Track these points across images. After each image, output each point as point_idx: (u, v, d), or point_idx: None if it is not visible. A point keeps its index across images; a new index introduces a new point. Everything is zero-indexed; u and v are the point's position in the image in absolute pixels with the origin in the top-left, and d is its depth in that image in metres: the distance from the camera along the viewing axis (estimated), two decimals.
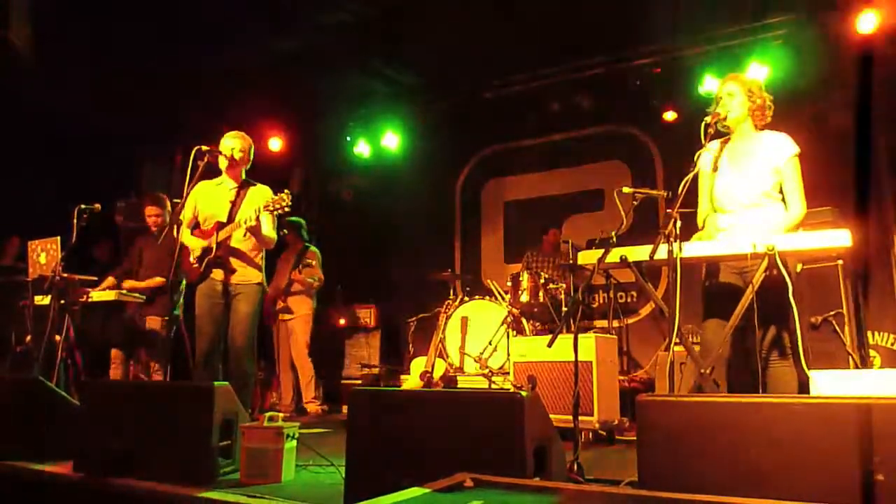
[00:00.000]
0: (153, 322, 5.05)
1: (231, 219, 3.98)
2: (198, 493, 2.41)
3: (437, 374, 5.38)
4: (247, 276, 4.03)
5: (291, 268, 6.01)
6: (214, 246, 3.96)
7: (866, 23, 5.35)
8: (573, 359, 3.03)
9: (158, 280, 5.00)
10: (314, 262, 6.02)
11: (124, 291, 4.92)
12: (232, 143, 4.07)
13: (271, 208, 3.77)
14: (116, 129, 6.74)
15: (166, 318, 5.04)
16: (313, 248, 6.17)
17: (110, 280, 5.18)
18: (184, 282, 4.37)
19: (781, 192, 3.04)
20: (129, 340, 5.12)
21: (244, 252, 4.03)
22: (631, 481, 2.45)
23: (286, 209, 3.78)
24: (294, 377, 6.02)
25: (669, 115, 6.61)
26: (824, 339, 4.36)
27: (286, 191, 3.79)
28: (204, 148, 3.82)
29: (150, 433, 2.75)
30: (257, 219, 3.80)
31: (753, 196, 3.04)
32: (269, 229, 4.03)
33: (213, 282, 3.99)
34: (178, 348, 4.64)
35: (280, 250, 5.97)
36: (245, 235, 3.98)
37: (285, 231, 5.67)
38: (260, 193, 4.02)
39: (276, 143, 7.76)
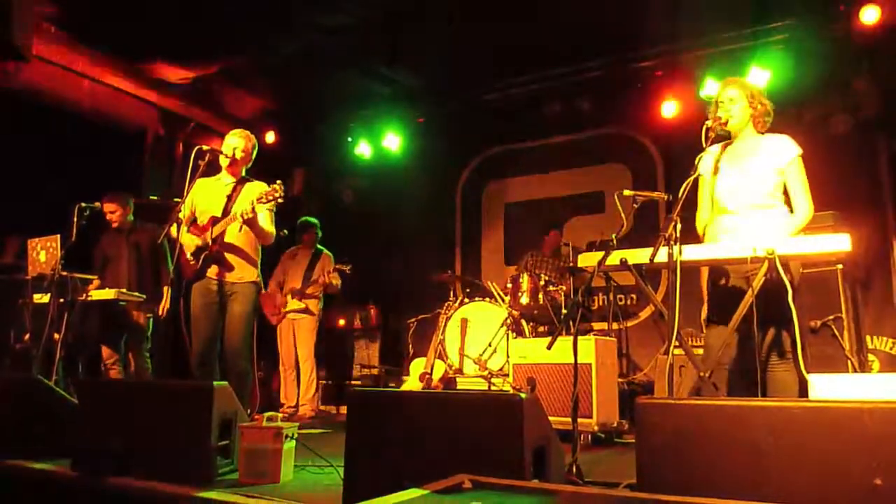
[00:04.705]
0: (138, 316, 5.11)
1: (226, 213, 3.96)
2: (196, 493, 2.41)
3: (437, 375, 5.38)
4: (243, 273, 3.99)
5: (306, 269, 6.01)
6: (210, 241, 3.94)
7: (868, 17, 5.33)
8: (572, 361, 3.02)
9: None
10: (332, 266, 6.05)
11: (124, 290, 4.91)
12: (235, 142, 4.07)
13: (264, 200, 3.75)
14: (117, 128, 6.76)
15: (149, 314, 5.12)
16: (327, 251, 6.17)
17: (96, 281, 5.19)
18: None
19: (785, 193, 3.03)
20: (116, 334, 5.14)
21: (240, 247, 4.00)
22: (629, 484, 2.44)
23: (279, 200, 3.77)
24: (297, 376, 5.99)
25: (668, 111, 6.57)
26: (823, 344, 4.36)
27: (278, 181, 3.78)
28: (205, 147, 3.82)
29: (149, 432, 2.75)
30: (252, 210, 3.77)
31: (756, 197, 3.03)
32: (267, 223, 4.01)
33: (209, 280, 3.97)
34: (177, 347, 4.64)
35: (281, 248, 5.96)
36: (241, 230, 3.95)
37: (285, 231, 5.67)
38: (257, 189, 3.97)
39: (276, 144, 7.77)
